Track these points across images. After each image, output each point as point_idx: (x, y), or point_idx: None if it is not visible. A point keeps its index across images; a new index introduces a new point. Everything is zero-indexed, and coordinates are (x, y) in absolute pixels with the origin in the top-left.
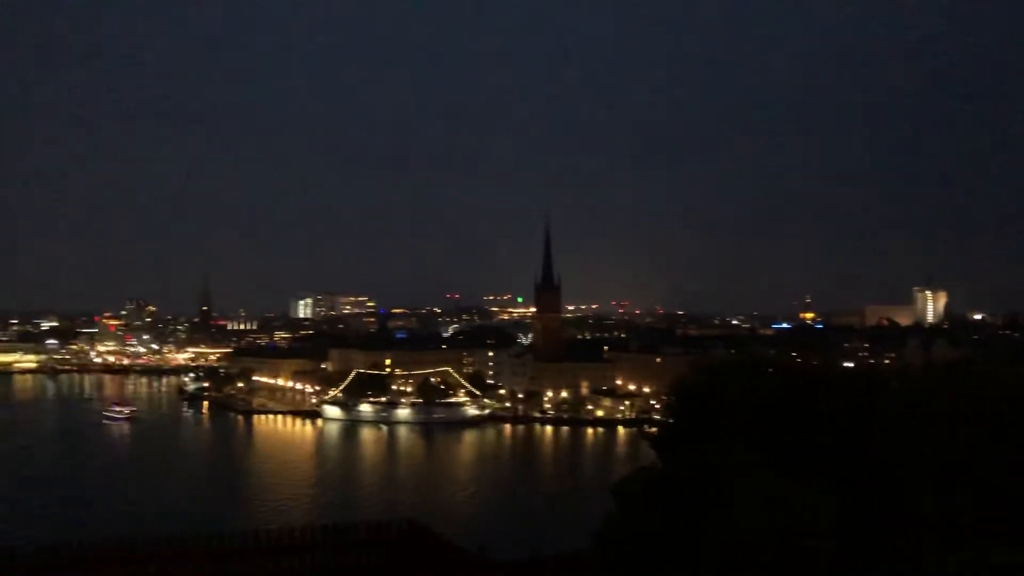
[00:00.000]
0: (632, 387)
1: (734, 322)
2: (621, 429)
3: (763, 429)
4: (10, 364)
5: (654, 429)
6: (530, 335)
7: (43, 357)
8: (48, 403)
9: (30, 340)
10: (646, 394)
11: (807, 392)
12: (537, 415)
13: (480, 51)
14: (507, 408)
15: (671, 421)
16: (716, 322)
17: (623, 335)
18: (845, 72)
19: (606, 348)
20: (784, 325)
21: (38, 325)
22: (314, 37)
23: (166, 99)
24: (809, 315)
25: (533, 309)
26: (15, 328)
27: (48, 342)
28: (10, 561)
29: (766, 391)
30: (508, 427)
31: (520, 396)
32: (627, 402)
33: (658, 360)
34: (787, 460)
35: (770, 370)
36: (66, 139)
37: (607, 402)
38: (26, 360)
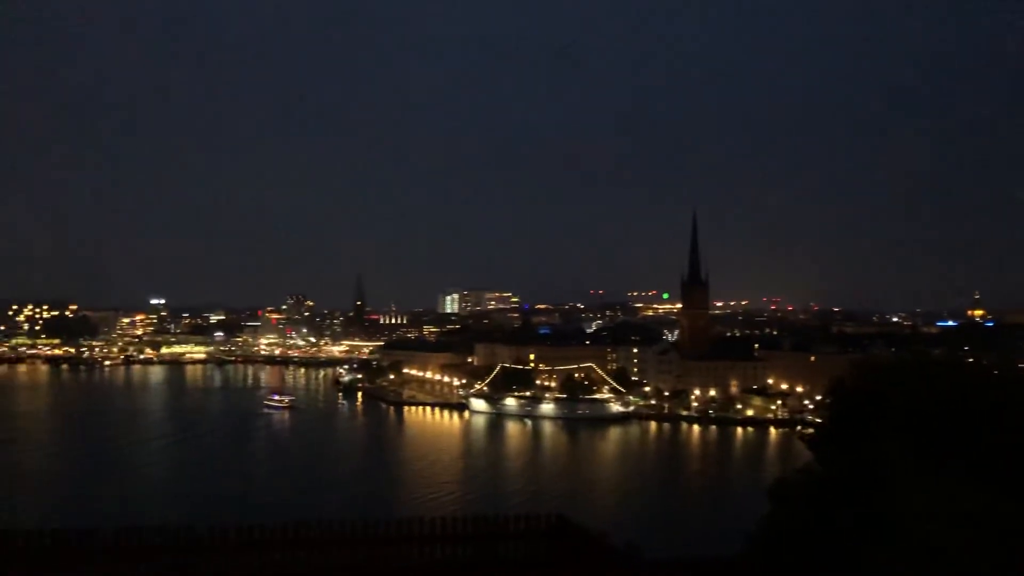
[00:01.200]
0: (784, 386)
1: (894, 320)
2: (772, 430)
3: (929, 432)
4: (182, 355)
5: (810, 430)
6: (676, 332)
7: (211, 349)
8: (215, 392)
9: (200, 333)
10: (799, 394)
11: (977, 394)
12: (683, 413)
13: (625, 46)
14: (652, 406)
15: (829, 422)
16: (875, 319)
17: (775, 332)
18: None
19: (757, 346)
20: (950, 323)
21: (207, 319)
22: (456, 30)
23: (320, 106)
24: (979, 312)
25: (679, 305)
26: (187, 322)
27: (216, 335)
28: (185, 539)
29: (933, 392)
30: (653, 425)
31: (666, 394)
32: (779, 402)
33: (812, 359)
34: (956, 465)
35: (937, 370)
36: (231, 146)
37: (757, 401)
38: (196, 351)
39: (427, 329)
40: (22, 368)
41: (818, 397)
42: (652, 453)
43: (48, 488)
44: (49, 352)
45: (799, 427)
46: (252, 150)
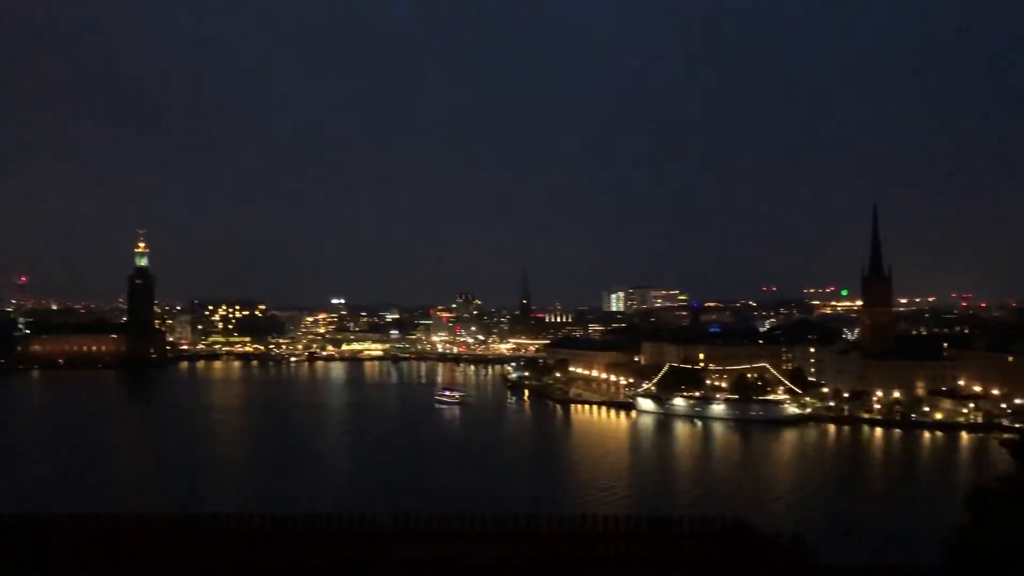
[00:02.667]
0: (977, 388)
1: None
2: (964, 434)
3: None
4: (361, 352)
5: (1009, 435)
6: (856, 330)
7: (387, 346)
8: (391, 387)
9: (376, 331)
10: (995, 397)
11: None
12: (865, 416)
13: (809, 32)
14: (831, 408)
15: None
16: None
17: (966, 331)
18: None
19: (946, 345)
20: None
21: (383, 318)
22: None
23: (490, 103)
24: None
25: (859, 302)
26: (364, 320)
27: (391, 332)
28: (370, 526)
29: None
30: (832, 428)
31: (845, 395)
32: (971, 405)
33: (1010, 359)
34: None
35: None
36: (403, 147)
37: (947, 404)
38: (374, 348)
39: (592, 327)
40: (218, 364)
41: (1017, 400)
42: (832, 456)
43: (244, 475)
44: (241, 349)
45: (996, 432)
46: (421, 149)
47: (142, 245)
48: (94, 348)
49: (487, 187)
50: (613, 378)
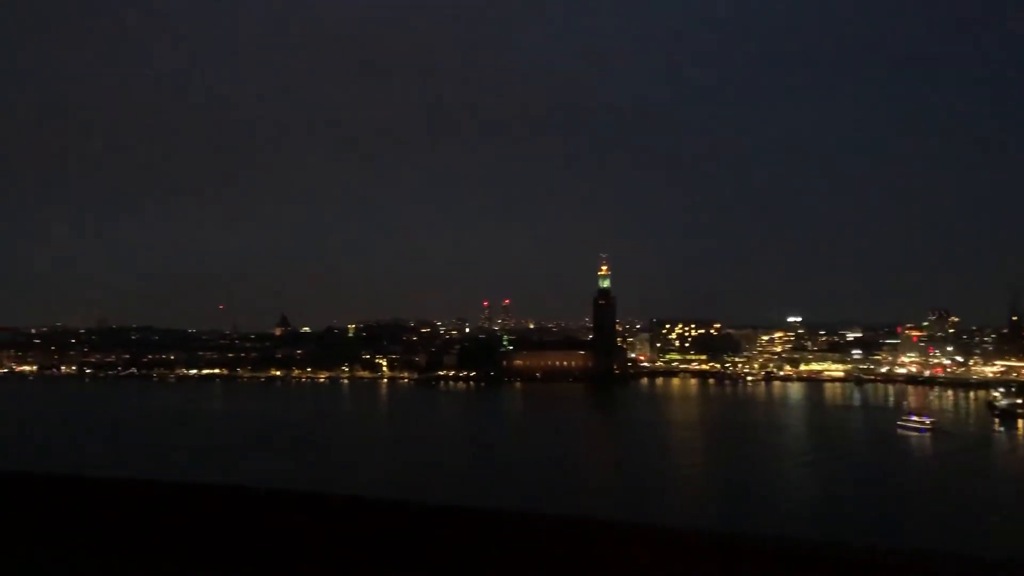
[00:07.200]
0: None
1: None
2: None
3: None
4: (820, 372)
5: None
6: None
7: (848, 366)
8: (853, 411)
9: (836, 350)
10: None
11: None
12: None
13: None
14: None
15: None
16: None
17: None
18: None
19: None
20: None
21: (843, 336)
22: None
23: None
24: None
25: None
26: (823, 339)
27: (853, 352)
28: (838, 553)
29: None
30: None
31: None
32: None
33: None
34: None
35: None
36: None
37: None
38: (834, 369)
39: None
40: (675, 381)
41: None
42: None
43: (700, 491)
44: (697, 367)
45: None
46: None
47: (604, 268)
48: (565, 363)
49: (969, 190)
50: None
